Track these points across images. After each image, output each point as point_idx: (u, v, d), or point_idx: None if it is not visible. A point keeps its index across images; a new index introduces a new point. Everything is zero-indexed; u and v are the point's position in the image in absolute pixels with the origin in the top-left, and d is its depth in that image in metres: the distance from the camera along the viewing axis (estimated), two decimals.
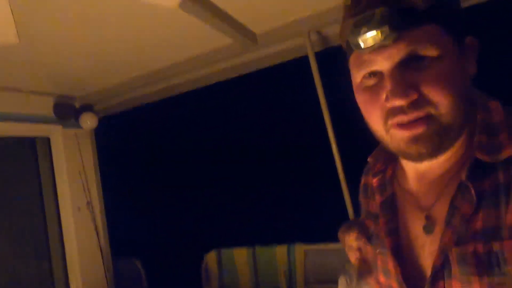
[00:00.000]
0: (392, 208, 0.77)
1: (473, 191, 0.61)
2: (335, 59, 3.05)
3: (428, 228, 0.69)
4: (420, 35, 0.58)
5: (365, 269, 1.78)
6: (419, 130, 0.61)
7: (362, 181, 0.90)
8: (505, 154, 0.60)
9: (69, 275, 3.37)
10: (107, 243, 3.67)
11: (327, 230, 2.37)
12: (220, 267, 3.59)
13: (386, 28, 0.57)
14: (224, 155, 3.83)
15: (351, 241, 1.90)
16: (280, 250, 3.33)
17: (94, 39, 2.51)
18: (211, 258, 3.63)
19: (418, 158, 0.64)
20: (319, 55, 2.87)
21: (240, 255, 3.50)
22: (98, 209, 3.58)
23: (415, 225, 0.72)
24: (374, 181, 0.82)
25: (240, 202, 3.80)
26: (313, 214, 3.39)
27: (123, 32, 2.49)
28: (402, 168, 0.77)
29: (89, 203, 3.48)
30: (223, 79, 3.39)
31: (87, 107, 3.48)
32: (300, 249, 3.25)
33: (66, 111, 3.33)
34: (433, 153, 0.64)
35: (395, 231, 0.75)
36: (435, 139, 0.61)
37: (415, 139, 0.62)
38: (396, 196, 0.78)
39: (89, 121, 3.43)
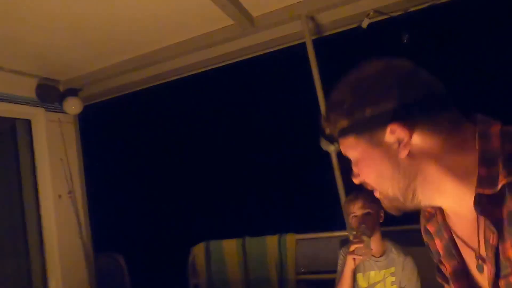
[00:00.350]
0: (453, 253, 0.83)
1: (489, 222, 0.66)
2: (332, 47, 3.07)
3: (480, 268, 0.75)
4: (343, 145, 0.82)
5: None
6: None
7: (422, 223, 0.95)
8: (500, 184, 0.65)
9: (48, 269, 3.15)
10: (89, 235, 3.48)
11: (318, 220, 2.35)
12: (208, 260, 3.47)
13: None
14: (214, 144, 3.75)
15: (355, 209, 1.91)
16: (271, 241, 3.26)
17: (80, 17, 2.39)
18: (198, 250, 3.51)
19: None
20: (316, 43, 2.89)
21: (230, 247, 3.40)
22: (80, 198, 3.40)
23: (472, 267, 0.78)
24: (429, 226, 0.89)
25: (229, 193, 3.72)
26: (305, 204, 3.37)
27: (114, 10, 2.40)
28: (446, 212, 0.83)
29: (71, 193, 3.30)
30: (216, 66, 3.35)
31: (72, 91, 3.33)
32: (291, 238, 3.19)
33: (50, 94, 3.17)
34: (402, 210, 0.80)
35: (461, 274, 0.82)
36: (394, 202, 0.79)
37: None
38: (454, 239, 0.84)
39: (73, 106, 3.28)
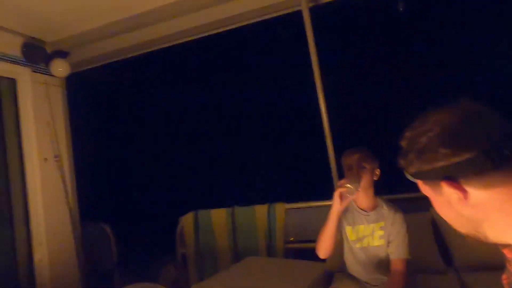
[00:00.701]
0: None
1: None
2: (329, 15, 3.03)
3: None
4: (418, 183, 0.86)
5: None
6: None
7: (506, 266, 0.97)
8: None
9: (33, 237, 3.08)
10: (76, 202, 3.42)
11: (308, 189, 2.35)
12: (196, 229, 3.45)
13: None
14: (204, 112, 3.69)
15: (352, 162, 1.91)
16: (260, 210, 3.26)
17: None
18: (187, 220, 3.49)
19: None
20: (312, 11, 2.85)
21: (219, 216, 3.39)
22: (67, 164, 3.33)
23: None
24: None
25: (219, 162, 3.69)
26: (295, 173, 3.37)
27: None
28: None
29: (57, 157, 3.22)
30: (209, 33, 3.29)
31: (59, 54, 3.23)
32: (280, 207, 3.20)
33: (36, 54, 3.07)
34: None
35: None
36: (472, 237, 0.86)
37: None
38: None
39: (61, 68, 3.19)
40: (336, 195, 1.83)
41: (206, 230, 3.43)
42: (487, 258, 2.25)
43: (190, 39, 3.34)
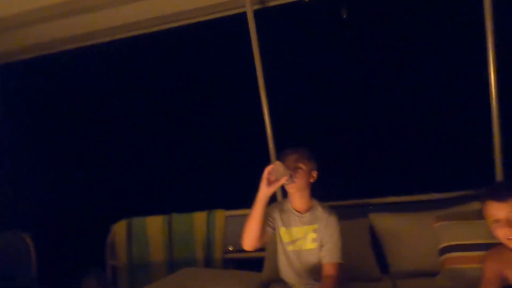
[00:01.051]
0: None
1: None
2: (274, 19, 3.01)
3: None
4: None
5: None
6: None
7: None
8: None
9: None
10: None
11: (250, 195, 2.24)
12: (129, 239, 3.19)
13: None
14: (138, 114, 3.46)
15: (288, 161, 1.82)
16: (199, 217, 3.08)
17: None
18: (119, 228, 3.21)
19: None
20: (257, 14, 2.80)
21: (154, 224, 3.16)
22: None
23: None
24: None
25: (156, 166, 3.45)
26: (236, 179, 3.24)
27: None
28: None
29: None
30: (150, 30, 3.12)
31: None
32: (220, 215, 3.05)
33: None
34: None
35: None
36: None
37: None
38: None
39: None
40: (264, 176, 1.71)
41: (140, 239, 3.18)
42: (422, 265, 2.30)
43: (129, 35, 3.15)
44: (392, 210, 2.57)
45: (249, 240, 1.78)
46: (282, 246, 1.94)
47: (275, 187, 1.72)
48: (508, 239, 1.32)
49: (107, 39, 3.18)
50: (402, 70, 2.78)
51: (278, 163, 1.72)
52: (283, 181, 1.71)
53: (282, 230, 1.93)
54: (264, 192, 1.72)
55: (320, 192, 2.12)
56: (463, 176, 2.67)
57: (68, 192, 3.40)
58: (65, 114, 3.48)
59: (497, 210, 1.34)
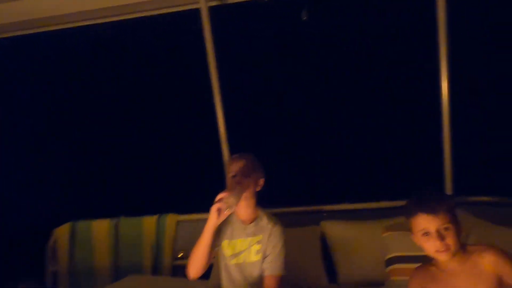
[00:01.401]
0: None
1: None
2: (230, 17, 2.90)
3: None
4: None
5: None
6: None
7: None
8: None
9: None
10: None
11: (203, 199, 2.13)
12: (72, 244, 2.98)
13: None
14: (85, 112, 3.23)
15: (234, 169, 1.76)
16: (149, 221, 2.92)
17: None
18: (62, 233, 3.00)
19: None
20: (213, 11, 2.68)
21: (100, 228, 2.97)
22: None
23: None
24: None
25: (105, 166, 3.24)
26: (189, 182, 3.12)
27: None
28: None
29: None
30: (100, 21, 2.92)
31: None
32: (172, 219, 2.91)
33: None
34: None
35: None
36: None
37: None
38: None
39: None
40: (213, 209, 1.63)
41: (84, 244, 2.99)
42: (371, 275, 2.27)
43: (77, 25, 2.94)
44: (346, 217, 2.55)
45: (196, 269, 1.70)
46: (224, 260, 1.84)
47: (224, 217, 1.65)
48: (438, 252, 1.28)
49: (46, 29, 2.95)
50: (356, 76, 2.75)
51: (228, 199, 1.62)
52: (233, 210, 1.64)
53: (224, 243, 1.83)
54: (213, 223, 1.65)
55: (272, 197, 2.05)
56: (415, 184, 2.68)
57: (5, 192, 3.13)
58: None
59: (428, 222, 1.30)
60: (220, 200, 1.61)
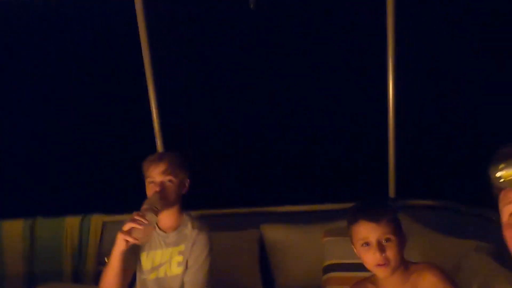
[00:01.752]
0: None
1: None
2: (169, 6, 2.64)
3: None
4: None
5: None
6: None
7: None
8: None
9: None
10: None
11: (132, 199, 1.90)
12: None
13: None
14: (15, 98, 2.85)
15: (154, 174, 1.55)
16: (71, 222, 2.60)
17: None
18: None
19: None
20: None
21: (12, 229, 2.60)
22: None
23: None
24: None
25: (21, 163, 2.87)
26: (116, 180, 2.83)
27: None
28: None
29: None
30: None
31: None
32: (97, 220, 2.61)
33: None
34: None
35: None
36: None
37: None
38: None
39: None
40: (120, 237, 1.43)
41: None
42: (308, 282, 2.13)
43: None
44: (288, 220, 2.41)
45: None
46: (141, 275, 1.63)
47: (134, 241, 1.43)
48: (377, 266, 1.16)
49: None
50: (301, 74, 2.63)
51: (139, 231, 1.41)
52: (143, 240, 1.46)
53: (142, 256, 1.61)
54: (120, 247, 1.45)
55: (210, 198, 1.87)
56: (359, 186, 2.62)
57: None
58: None
59: (369, 231, 1.18)
60: (129, 230, 1.39)
